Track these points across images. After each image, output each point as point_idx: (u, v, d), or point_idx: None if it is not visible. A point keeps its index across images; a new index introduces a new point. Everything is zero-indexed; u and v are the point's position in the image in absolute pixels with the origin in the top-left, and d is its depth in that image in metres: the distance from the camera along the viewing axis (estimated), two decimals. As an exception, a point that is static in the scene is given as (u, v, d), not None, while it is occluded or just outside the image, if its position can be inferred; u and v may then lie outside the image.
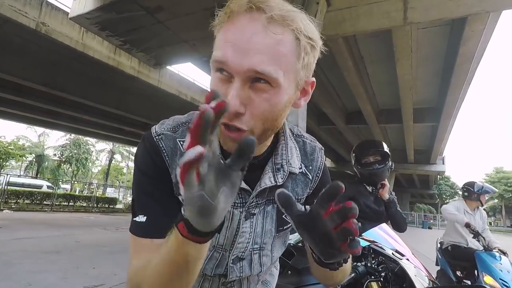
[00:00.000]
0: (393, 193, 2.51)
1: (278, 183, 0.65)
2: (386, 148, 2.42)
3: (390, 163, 2.41)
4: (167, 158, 0.62)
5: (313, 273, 0.70)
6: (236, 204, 0.65)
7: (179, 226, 0.44)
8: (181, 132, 0.64)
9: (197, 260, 0.49)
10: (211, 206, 0.37)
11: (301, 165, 0.72)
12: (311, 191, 0.75)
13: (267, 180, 0.65)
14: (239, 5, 0.52)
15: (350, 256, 0.59)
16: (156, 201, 0.61)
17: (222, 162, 0.37)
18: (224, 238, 0.66)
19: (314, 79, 0.61)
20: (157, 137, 0.63)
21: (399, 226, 2.44)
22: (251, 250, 0.69)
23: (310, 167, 0.74)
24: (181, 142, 0.63)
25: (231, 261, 0.68)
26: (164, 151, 0.62)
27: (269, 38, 0.50)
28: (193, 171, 0.34)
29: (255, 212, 0.67)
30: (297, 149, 0.72)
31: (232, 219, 0.65)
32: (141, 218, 0.60)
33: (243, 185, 0.63)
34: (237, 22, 0.52)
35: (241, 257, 0.69)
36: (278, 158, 0.67)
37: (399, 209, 2.47)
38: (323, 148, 0.79)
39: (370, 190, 2.44)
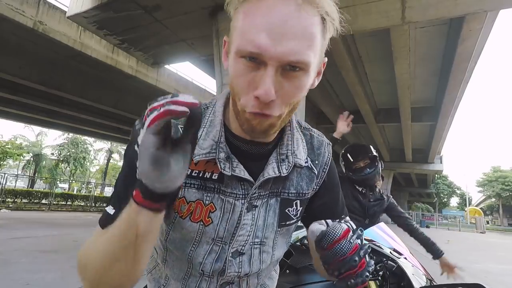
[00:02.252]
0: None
1: (282, 174, 0.63)
2: (374, 151, 2.46)
3: (379, 164, 2.46)
4: None
5: (319, 269, 0.70)
6: (237, 195, 0.62)
7: (134, 194, 0.44)
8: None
9: (147, 234, 0.47)
10: (164, 156, 0.40)
11: (307, 158, 0.69)
12: (317, 187, 0.72)
13: (271, 171, 0.62)
14: None
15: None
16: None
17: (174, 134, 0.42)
18: (224, 230, 0.64)
19: (326, 58, 0.59)
20: None
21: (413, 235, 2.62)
22: (251, 244, 0.67)
23: (316, 162, 0.71)
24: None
25: (230, 255, 0.65)
26: None
27: (303, 20, 0.47)
28: (163, 122, 0.39)
29: (257, 204, 0.64)
30: (304, 141, 0.70)
31: (234, 210, 0.63)
32: (111, 210, 0.57)
33: (246, 175, 0.61)
34: (265, 1, 0.47)
35: (241, 251, 0.66)
36: (283, 148, 0.65)
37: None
38: (330, 143, 0.76)
39: (360, 190, 2.48)
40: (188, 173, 0.61)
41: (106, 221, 0.56)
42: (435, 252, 2.43)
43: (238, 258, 0.67)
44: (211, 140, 0.61)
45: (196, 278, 0.68)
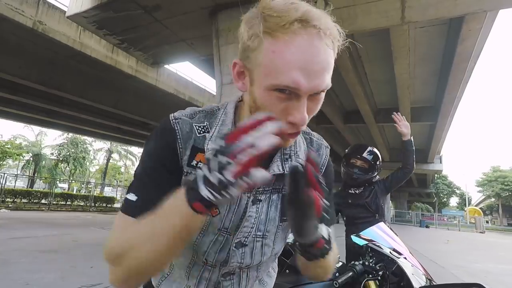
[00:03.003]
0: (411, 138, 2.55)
1: (285, 172, 0.68)
2: (378, 161, 2.47)
3: (374, 175, 2.49)
4: (179, 141, 0.66)
5: (302, 270, 0.75)
6: None
7: (193, 204, 0.48)
8: (198, 118, 0.69)
9: (197, 228, 0.55)
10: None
11: None
12: None
13: (276, 168, 0.68)
14: (286, 19, 0.52)
15: (331, 250, 0.64)
16: (153, 184, 0.64)
17: None
18: (230, 221, 0.68)
19: None
20: (174, 121, 0.67)
21: (408, 164, 2.53)
22: (254, 236, 0.71)
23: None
24: (197, 127, 0.68)
25: (233, 245, 0.70)
26: (178, 133, 0.66)
27: (327, 54, 0.54)
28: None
29: (261, 198, 0.70)
30: (305, 143, 0.76)
31: (240, 202, 0.68)
32: (132, 197, 0.62)
33: None
34: (295, 42, 0.52)
35: (244, 242, 0.70)
36: (287, 149, 0.71)
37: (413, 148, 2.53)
38: (329, 146, 0.83)
39: (353, 192, 2.48)
40: (200, 166, 0.65)
41: (131, 207, 0.61)
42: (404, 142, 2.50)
43: (241, 249, 0.71)
44: None
45: (199, 266, 0.73)
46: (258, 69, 0.56)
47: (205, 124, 0.69)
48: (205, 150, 0.65)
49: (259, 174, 0.45)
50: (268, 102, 0.56)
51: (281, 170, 0.68)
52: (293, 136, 0.60)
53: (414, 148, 2.53)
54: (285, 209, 0.72)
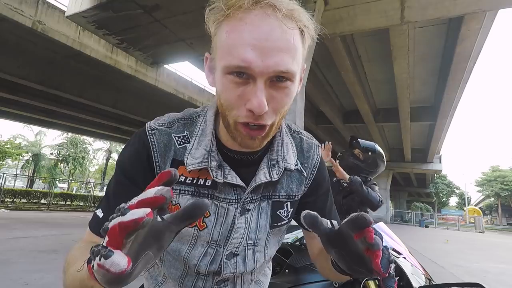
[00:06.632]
0: (354, 176, 2.51)
1: (273, 179, 0.65)
2: (369, 152, 2.66)
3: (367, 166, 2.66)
4: (155, 154, 0.62)
5: (324, 273, 0.70)
6: (231, 201, 0.64)
7: (88, 267, 0.36)
8: (176, 128, 0.64)
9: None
10: (122, 278, 0.32)
11: (297, 161, 0.70)
12: (306, 188, 0.73)
13: (262, 176, 0.64)
14: (242, 0, 0.49)
15: None
16: (120, 202, 0.55)
17: (161, 220, 0.35)
18: (219, 234, 0.65)
19: (306, 65, 0.61)
20: (150, 132, 0.63)
21: (371, 205, 2.45)
22: (245, 245, 0.68)
23: (306, 164, 0.72)
24: (176, 137, 0.63)
25: (225, 257, 0.67)
26: (154, 146, 0.62)
27: (285, 33, 0.49)
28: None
29: (249, 208, 0.66)
30: (293, 145, 0.71)
31: (227, 215, 0.64)
32: (100, 213, 0.60)
33: (238, 181, 0.62)
34: (247, 18, 0.49)
35: (235, 252, 0.68)
36: (273, 154, 0.67)
37: (366, 188, 2.43)
38: (320, 145, 0.78)
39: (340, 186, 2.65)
40: (182, 180, 0.63)
41: (95, 225, 0.60)
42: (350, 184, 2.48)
43: (232, 259, 0.68)
44: (203, 150, 0.62)
45: (192, 277, 0.70)
46: (217, 54, 0.53)
47: (185, 134, 0.64)
48: (185, 163, 0.61)
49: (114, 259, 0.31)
50: (226, 87, 0.52)
51: (268, 178, 0.64)
52: (257, 132, 0.54)
53: (361, 186, 2.41)
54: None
